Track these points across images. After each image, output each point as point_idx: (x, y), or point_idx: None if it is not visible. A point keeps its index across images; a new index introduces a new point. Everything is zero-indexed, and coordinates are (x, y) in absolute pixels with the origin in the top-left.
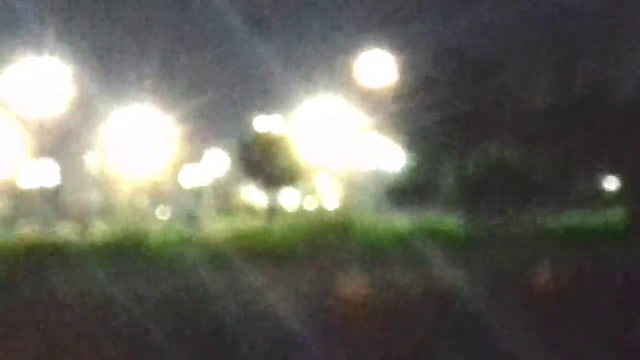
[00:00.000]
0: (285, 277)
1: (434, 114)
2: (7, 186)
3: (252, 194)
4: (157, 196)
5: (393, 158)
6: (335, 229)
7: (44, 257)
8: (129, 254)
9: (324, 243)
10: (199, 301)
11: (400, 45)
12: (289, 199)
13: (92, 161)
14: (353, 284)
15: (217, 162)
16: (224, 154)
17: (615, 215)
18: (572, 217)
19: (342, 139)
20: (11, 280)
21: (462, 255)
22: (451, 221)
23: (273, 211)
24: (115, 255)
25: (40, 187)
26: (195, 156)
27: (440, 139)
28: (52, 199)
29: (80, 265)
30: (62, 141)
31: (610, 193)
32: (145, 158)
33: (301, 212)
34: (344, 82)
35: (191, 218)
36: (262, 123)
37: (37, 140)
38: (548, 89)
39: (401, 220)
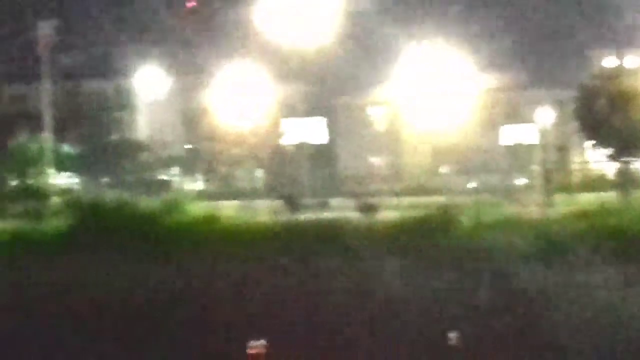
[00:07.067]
0: None
1: None
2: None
3: (594, 159)
4: (465, 162)
5: None
6: None
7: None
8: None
9: None
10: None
11: None
12: None
13: (375, 116)
14: None
15: (547, 120)
16: (555, 111)
17: None
18: None
19: None
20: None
21: None
22: None
23: (630, 182)
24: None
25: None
26: (515, 114)
27: None
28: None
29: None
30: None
31: None
32: (448, 115)
33: None
34: None
35: (510, 191)
36: (611, 66)
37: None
38: None
39: None
